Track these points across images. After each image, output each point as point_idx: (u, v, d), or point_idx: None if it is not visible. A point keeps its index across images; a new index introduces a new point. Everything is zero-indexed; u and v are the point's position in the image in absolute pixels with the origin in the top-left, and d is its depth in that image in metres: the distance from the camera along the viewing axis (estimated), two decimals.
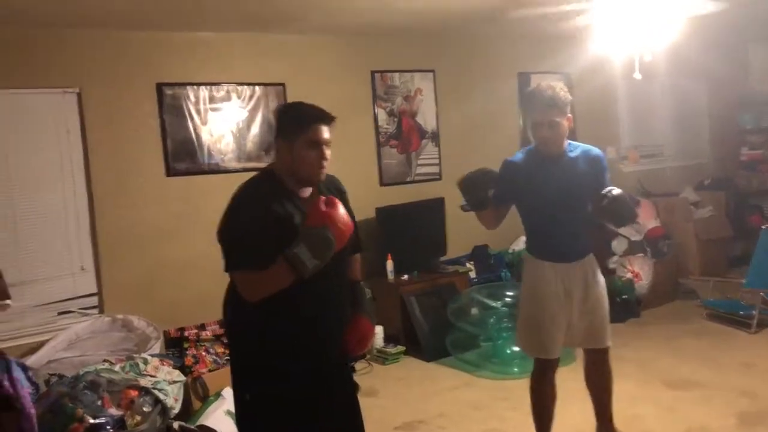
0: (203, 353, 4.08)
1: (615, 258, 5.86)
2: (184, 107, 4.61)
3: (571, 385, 3.55)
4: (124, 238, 4.42)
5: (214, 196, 4.63)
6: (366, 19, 4.69)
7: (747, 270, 5.61)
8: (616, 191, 2.84)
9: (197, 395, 3.78)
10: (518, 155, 3.14)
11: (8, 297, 3.50)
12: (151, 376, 3.50)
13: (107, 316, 4.27)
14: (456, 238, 5.62)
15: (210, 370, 3.96)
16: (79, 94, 4.29)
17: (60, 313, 4.27)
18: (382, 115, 5.49)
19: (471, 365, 4.67)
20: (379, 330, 5.04)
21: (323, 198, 2.18)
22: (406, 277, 5.18)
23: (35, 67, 4.13)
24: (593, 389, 3.22)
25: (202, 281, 4.58)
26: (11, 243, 4.09)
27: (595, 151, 3.07)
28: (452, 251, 5.63)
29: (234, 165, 4.77)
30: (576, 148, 3.04)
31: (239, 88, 4.81)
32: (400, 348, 4.95)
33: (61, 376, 3.53)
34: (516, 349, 4.69)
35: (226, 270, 2.22)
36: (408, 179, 5.64)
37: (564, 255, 3.00)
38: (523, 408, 3.87)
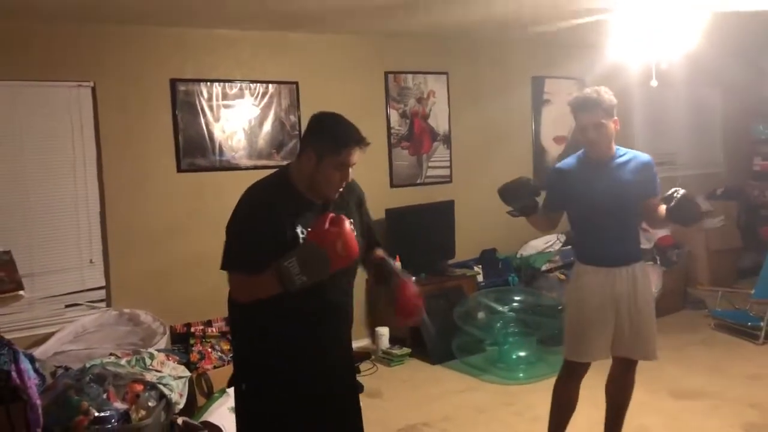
0: (209, 350, 4.09)
1: None
2: (197, 103, 4.62)
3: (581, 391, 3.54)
4: (133, 233, 4.44)
5: (225, 193, 4.63)
6: (381, 21, 4.68)
7: (756, 281, 5.57)
8: (684, 193, 2.83)
9: (202, 391, 3.78)
10: (568, 160, 3.14)
11: (22, 288, 3.53)
12: (157, 371, 3.51)
13: (114, 310, 4.28)
14: (464, 241, 5.61)
15: (215, 367, 3.97)
16: (93, 88, 4.31)
17: (68, 306, 4.29)
18: (394, 117, 5.48)
19: (476, 369, 4.66)
20: (384, 331, 5.03)
21: (331, 216, 2.09)
22: (413, 279, 5.15)
23: (51, 60, 4.15)
24: (611, 399, 3.19)
25: (210, 278, 4.58)
26: (23, 234, 4.11)
27: (645, 157, 3.04)
28: (460, 254, 5.62)
29: (245, 162, 4.78)
30: (625, 153, 3.02)
31: (252, 85, 4.82)
32: (406, 350, 4.94)
33: (67, 369, 3.55)
34: (522, 354, 4.69)
35: (222, 267, 2.21)
36: (418, 181, 5.64)
37: (612, 260, 2.96)
38: (528, 413, 3.87)
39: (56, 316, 4.22)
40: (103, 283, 4.40)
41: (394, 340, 5.03)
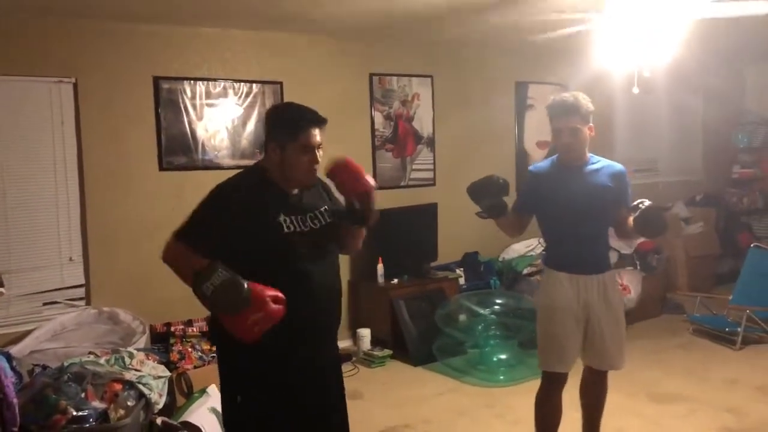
0: (189, 349, 4.06)
1: None
2: (180, 102, 4.59)
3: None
4: (114, 231, 4.40)
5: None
6: (367, 21, 4.69)
7: (734, 287, 5.65)
8: (651, 205, 2.82)
9: (182, 391, 3.75)
10: (541, 164, 3.14)
11: (1, 285, 3.48)
12: (136, 370, 3.48)
13: (94, 309, 4.24)
14: (447, 244, 5.63)
15: (195, 367, 3.94)
16: (75, 85, 4.27)
17: (46, 304, 4.24)
18: (378, 119, 5.49)
19: (457, 371, 4.67)
20: (366, 333, 5.03)
21: (280, 296, 2.05)
22: (395, 281, 5.17)
23: (32, 55, 4.11)
24: (586, 405, 3.20)
25: None
26: (1, 231, 4.06)
27: (619, 166, 3.04)
28: (443, 257, 5.64)
29: (228, 162, 4.76)
30: (599, 161, 3.02)
31: (236, 84, 4.80)
32: (387, 351, 4.94)
33: (45, 367, 3.51)
34: (503, 357, 4.71)
35: (175, 234, 2.22)
36: (402, 183, 5.65)
37: (582, 267, 2.95)
38: (509, 416, 3.89)
39: (34, 314, 4.17)
40: (83, 281, 4.35)
41: (375, 342, 5.04)
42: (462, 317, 4.95)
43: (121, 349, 3.71)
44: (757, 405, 3.99)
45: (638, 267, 6.02)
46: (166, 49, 4.54)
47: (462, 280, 5.55)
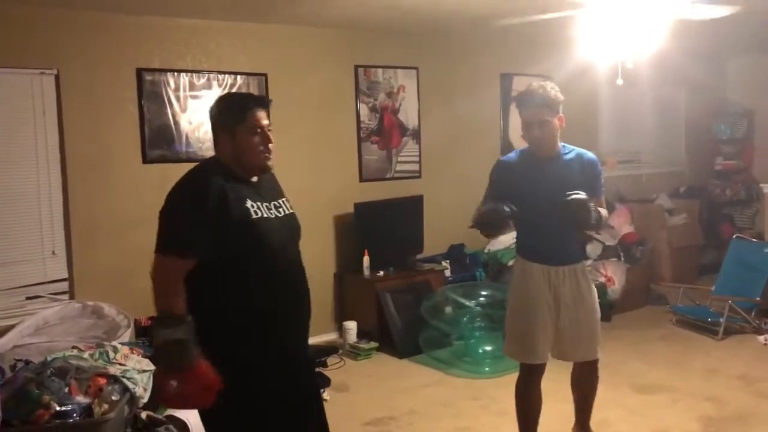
0: None
1: (589, 262, 5.92)
2: (164, 94, 4.55)
3: (546, 385, 3.59)
4: (97, 224, 4.37)
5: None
6: (352, 13, 4.67)
7: (716, 278, 5.71)
8: (578, 196, 2.78)
9: None
10: (512, 155, 3.11)
11: None
12: (121, 364, 3.45)
13: (77, 303, 4.20)
14: (433, 236, 5.64)
15: None
16: (57, 76, 4.21)
17: (29, 298, 4.21)
18: (364, 111, 5.47)
19: (443, 363, 4.69)
20: (352, 325, 5.03)
21: (207, 385, 2.06)
22: (381, 273, 5.18)
23: (12, 45, 4.05)
24: (577, 395, 3.23)
25: None
26: None
27: (590, 155, 3.03)
28: (429, 249, 5.65)
29: (212, 154, 4.70)
30: (571, 150, 3.00)
31: (220, 76, 4.77)
32: (373, 344, 4.95)
33: (27, 362, 3.47)
34: (488, 348, 4.73)
35: (157, 251, 2.18)
36: (388, 176, 5.64)
37: (554, 258, 2.96)
38: (494, 407, 3.92)
39: (17, 309, 4.13)
40: (66, 275, 4.32)
41: (361, 334, 5.04)
42: (448, 309, 4.97)
43: (105, 343, 3.68)
44: (737, 394, 4.04)
45: (622, 258, 6.07)
46: (149, 41, 4.50)
47: (448, 272, 5.57)
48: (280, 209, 2.31)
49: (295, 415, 2.29)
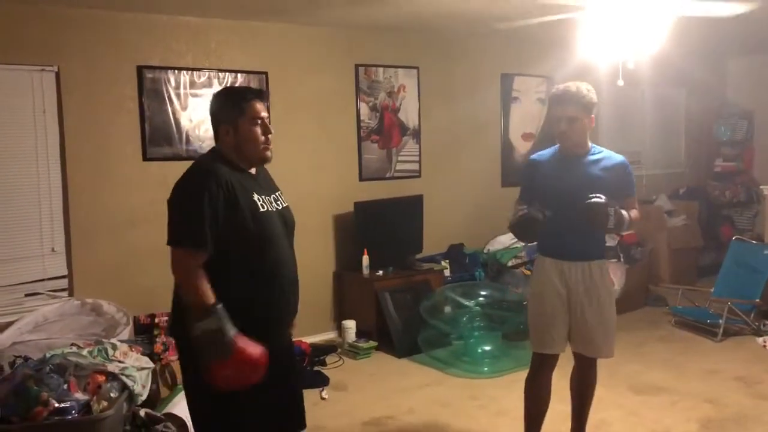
0: (173, 341, 4.04)
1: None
2: (164, 91, 4.55)
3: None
4: (97, 221, 4.36)
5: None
6: (353, 12, 4.67)
7: (715, 279, 5.71)
8: (597, 200, 2.81)
9: (165, 383, 3.74)
10: (543, 152, 3.17)
11: None
12: (120, 361, 3.46)
13: (76, 300, 4.20)
14: (432, 235, 5.64)
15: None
16: (57, 73, 4.21)
17: (28, 295, 4.20)
18: (364, 110, 5.47)
19: (442, 363, 4.69)
20: (351, 324, 5.04)
21: (254, 362, 2.12)
22: (381, 272, 5.18)
23: (13, 42, 4.05)
24: (574, 395, 3.24)
25: None
26: None
27: (620, 157, 3.07)
28: (428, 249, 5.65)
29: None
30: (600, 151, 3.05)
31: (221, 74, 4.77)
32: (372, 343, 4.95)
33: (26, 359, 3.47)
34: (487, 348, 4.73)
35: (169, 243, 2.22)
36: (387, 175, 5.64)
37: (570, 253, 3.00)
38: (492, 407, 3.92)
39: (16, 305, 4.13)
40: (66, 272, 4.32)
41: (360, 333, 5.04)
42: (447, 309, 4.97)
43: (104, 340, 3.68)
44: (736, 396, 4.05)
45: (622, 259, 6.07)
46: (150, 38, 4.49)
47: (447, 272, 5.57)
48: (278, 202, 2.39)
49: (284, 384, 2.38)
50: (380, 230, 5.26)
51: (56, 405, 3.01)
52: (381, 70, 5.54)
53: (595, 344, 3.04)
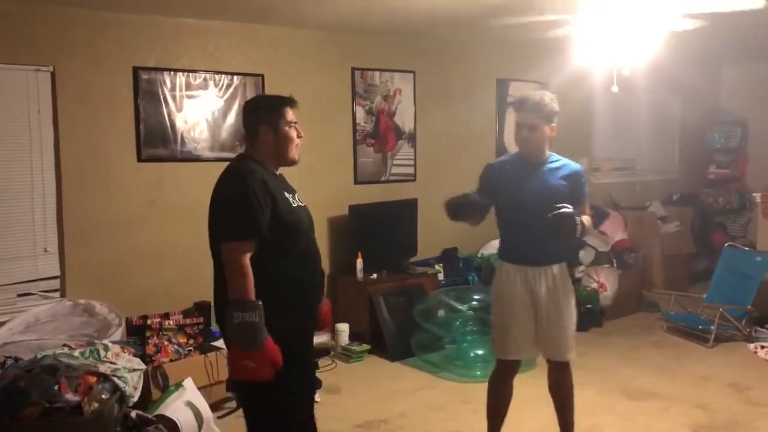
0: (165, 342, 4.02)
1: (581, 268, 5.93)
2: (160, 93, 4.54)
3: (530, 391, 3.61)
4: (91, 222, 4.35)
5: (185, 185, 4.59)
6: (349, 15, 4.68)
7: (708, 286, 5.73)
8: (566, 210, 2.88)
9: (157, 385, 3.73)
10: (502, 158, 3.28)
11: None
12: (111, 363, 3.45)
13: (69, 300, 4.19)
14: (426, 239, 5.64)
15: (171, 360, 3.91)
16: (53, 73, 4.20)
17: (20, 295, 4.18)
18: (360, 113, 5.48)
19: (434, 366, 4.70)
20: (344, 327, 5.03)
21: (275, 362, 2.32)
22: (375, 276, 5.18)
23: (9, 42, 4.03)
24: (555, 400, 3.27)
25: (168, 270, 4.53)
26: None
27: (576, 166, 3.16)
28: (422, 253, 5.65)
29: (207, 154, 4.72)
30: (558, 160, 3.14)
31: (217, 76, 4.76)
32: (365, 346, 4.95)
33: (17, 359, 3.46)
34: (479, 352, 4.73)
35: (222, 239, 2.37)
36: (383, 179, 5.65)
37: (532, 260, 3.07)
38: (484, 411, 3.91)
39: (7, 306, 4.10)
40: (58, 273, 4.30)
41: (353, 337, 5.04)
42: (440, 313, 4.98)
43: (96, 341, 3.67)
44: (728, 401, 4.06)
45: (615, 265, 6.08)
46: (146, 40, 4.49)
47: (441, 276, 5.57)
48: (300, 201, 2.63)
49: (309, 369, 2.73)
50: (375, 233, 5.27)
51: (47, 406, 3.00)
52: (377, 73, 5.55)
53: (561, 347, 3.12)
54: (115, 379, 3.29)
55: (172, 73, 4.58)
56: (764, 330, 5.26)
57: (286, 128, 2.53)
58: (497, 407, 3.26)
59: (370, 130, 5.55)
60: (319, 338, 5.22)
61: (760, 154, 7.54)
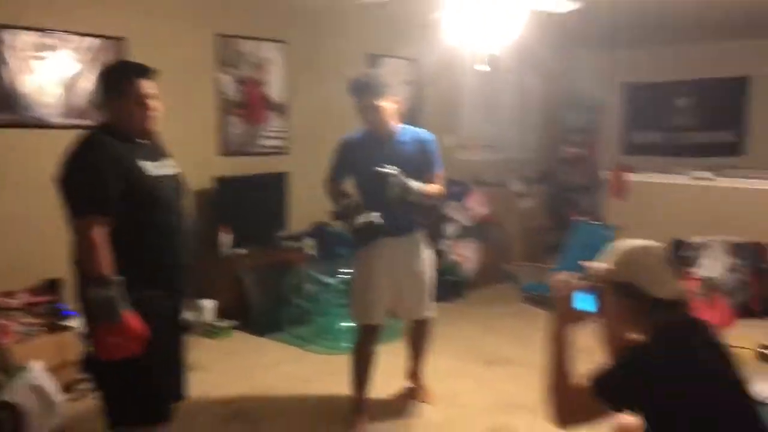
0: (9, 323, 3.73)
1: (445, 241, 6.15)
2: (4, 52, 4.13)
3: (394, 360, 3.71)
4: None
5: (33, 153, 4.23)
6: None
7: (560, 257, 6.14)
8: (386, 170, 3.04)
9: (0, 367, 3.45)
10: (353, 133, 3.37)
11: None
12: None
13: None
14: (297, 214, 5.59)
15: (16, 342, 3.63)
16: None
17: None
18: (227, 82, 5.30)
19: (303, 340, 4.70)
20: (210, 304, 4.90)
21: (139, 335, 2.26)
22: (243, 250, 5.07)
23: None
24: (411, 349, 3.63)
25: (12, 246, 4.18)
26: None
27: (425, 134, 3.33)
28: (293, 227, 5.60)
29: (59, 120, 4.37)
30: (407, 131, 3.30)
31: (72, 37, 4.40)
32: (232, 323, 4.86)
33: None
34: (348, 324, 4.79)
35: (71, 215, 2.29)
36: (252, 151, 5.51)
37: (390, 228, 3.19)
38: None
39: None
40: None
41: (219, 313, 4.92)
42: (309, 287, 4.97)
43: None
44: (577, 365, 4.37)
45: (477, 238, 6.35)
46: None
47: (311, 251, 5.55)
48: (167, 168, 2.52)
49: (174, 347, 2.62)
50: (243, 207, 5.15)
51: None
52: (246, 42, 5.38)
53: (419, 307, 3.42)
54: None
55: (18, 30, 4.17)
56: None
57: (137, 100, 2.41)
58: (361, 374, 3.40)
59: (239, 100, 5.38)
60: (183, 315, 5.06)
61: (609, 136, 8.17)
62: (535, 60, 6.97)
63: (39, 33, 4.26)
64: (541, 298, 5.77)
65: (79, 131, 2.45)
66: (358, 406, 3.41)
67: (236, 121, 5.38)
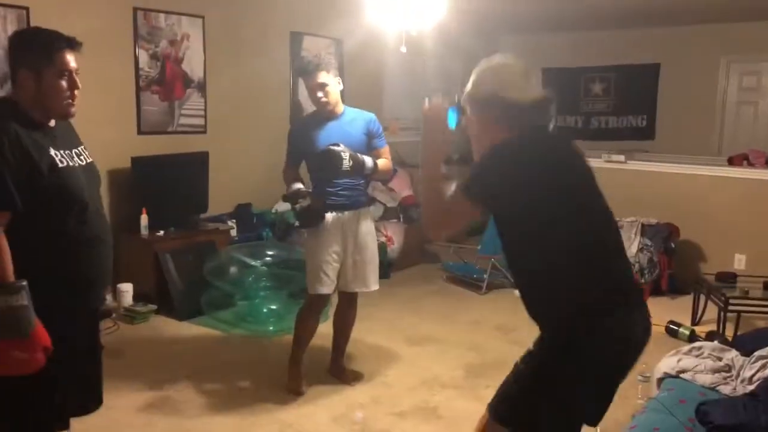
0: None
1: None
2: None
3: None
4: None
5: None
6: None
7: (482, 239, 6.28)
8: (333, 146, 3.20)
9: None
10: (303, 117, 3.59)
11: None
12: None
13: None
14: (218, 195, 5.46)
15: None
16: None
17: None
18: (144, 58, 5.09)
19: (226, 324, 4.62)
20: (128, 288, 4.74)
21: (46, 347, 1.99)
22: (161, 233, 4.91)
23: None
24: (336, 329, 3.78)
25: None
26: None
27: (369, 114, 3.52)
28: (214, 208, 5.47)
29: None
30: (350, 111, 3.48)
31: None
32: (151, 307, 4.72)
33: None
34: (273, 307, 4.74)
35: None
36: (169, 129, 5.33)
37: (339, 206, 3.42)
38: (278, 365, 3.94)
39: None
40: None
41: (138, 297, 4.77)
42: (232, 269, 4.87)
43: None
44: (495, 342, 4.50)
45: (401, 219, 6.41)
46: None
47: (234, 232, 5.45)
48: (81, 157, 2.23)
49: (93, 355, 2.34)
50: (161, 188, 4.98)
51: None
52: (163, 15, 5.17)
53: (368, 279, 3.58)
54: None
55: None
56: None
57: (55, 77, 2.08)
58: (303, 337, 3.60)
59: (155, 76, 5.18)
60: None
61: None
62: (458, 45, 7.05)
63: None
64: (462, 277, 5.90)
65: None
66: (297, 359, 3.61)
67: (153, 98, 5.18)
